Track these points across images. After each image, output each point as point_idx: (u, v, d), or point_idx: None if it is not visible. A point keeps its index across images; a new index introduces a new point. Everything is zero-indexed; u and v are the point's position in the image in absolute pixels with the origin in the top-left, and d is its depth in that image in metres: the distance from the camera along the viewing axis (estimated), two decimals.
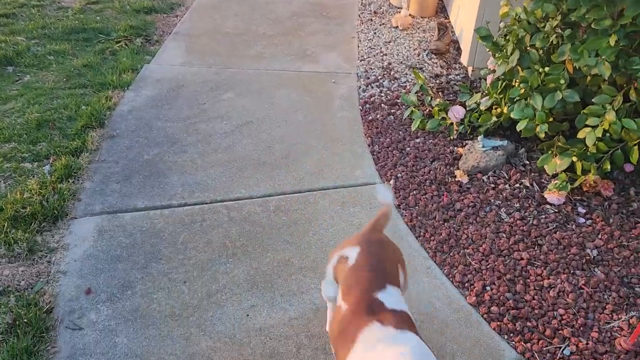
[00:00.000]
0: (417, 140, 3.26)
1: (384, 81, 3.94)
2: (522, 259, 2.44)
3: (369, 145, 3.26)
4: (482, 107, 3.15)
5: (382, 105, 3.65)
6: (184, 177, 2.98)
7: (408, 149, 3.19)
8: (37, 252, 2.47)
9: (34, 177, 2.91)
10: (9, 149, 3.14)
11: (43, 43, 4.47)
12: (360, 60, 4.28)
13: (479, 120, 3.13)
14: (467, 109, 3.28)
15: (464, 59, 3.90)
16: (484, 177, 2.93)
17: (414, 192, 2.86)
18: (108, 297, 2.27)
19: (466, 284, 2.35)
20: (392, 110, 3.58)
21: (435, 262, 2.46)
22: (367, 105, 3.66)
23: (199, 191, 2.87)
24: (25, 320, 2.12)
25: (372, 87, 3.89)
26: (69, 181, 2.89)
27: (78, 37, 4.61)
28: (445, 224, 2.66)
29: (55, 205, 2.70)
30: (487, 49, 3.14)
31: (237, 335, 2.11)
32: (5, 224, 2.56)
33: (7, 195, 2.75)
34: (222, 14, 5.21)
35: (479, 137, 3.06)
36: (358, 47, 4.52)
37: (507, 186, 2.86)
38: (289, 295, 2.29)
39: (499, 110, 3.07)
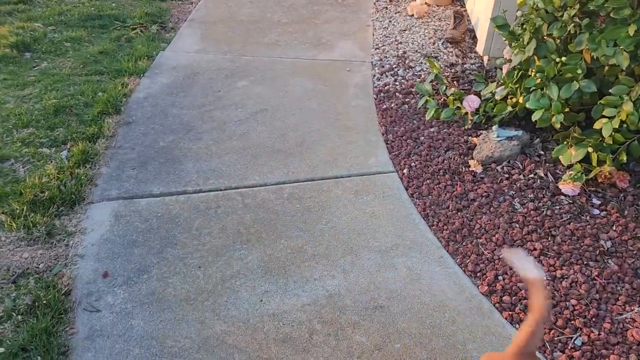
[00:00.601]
0: (432, 130, 3.25)
1: (398, 70, 3.92)
2: (535, 249, 2.44)
3: (383, 134, 3.27)
4: (497, 97, 3.13)
5: (397, 94, 3.64)
6: (199, 163, 3.00)
7: (422, 138, 3.19)
8: (55, 235, 2.52)
9: (51, 162, 2.96)
10: (27, 134, 3.18)
11: (60, 29, 4.51)
12: (375, 49, 4.26)
13: (494, 110, 3.11)
14: (482, 98, 3.26)
15: (480, 48, 3.87)
16: (498, 167, 2.92)
17: (428, 181, 2.86)
18: (124, 280, 2.31)
19: (478, 274, 2.36)
20: (406, 99, 3.57)
21: (447, 251, 2.47)
22: (382, 94, 3.65)
23: (213, 178, 2.90)
24: (44, 301, 2.17)
25: (387, 76, 3.88)
26: (86, 166, 2.94)
27: (94, 24, 4.64)
28: (459, 213, 2.66)
29: (73, 190, 2.74)
30: (504, 38, 3.11)
31: (251, 320, 2.14)
32: (25, 208, 2.61)
33: (26, 179, 2.81)
34: (237, 1, 5.21)
35: (494, 127, 3.05)
36: (373, 35, 4.50)
37: (521, 176, 2.85)
38: (302, 281, 2.32)
39: (514, 100, 3.05)
